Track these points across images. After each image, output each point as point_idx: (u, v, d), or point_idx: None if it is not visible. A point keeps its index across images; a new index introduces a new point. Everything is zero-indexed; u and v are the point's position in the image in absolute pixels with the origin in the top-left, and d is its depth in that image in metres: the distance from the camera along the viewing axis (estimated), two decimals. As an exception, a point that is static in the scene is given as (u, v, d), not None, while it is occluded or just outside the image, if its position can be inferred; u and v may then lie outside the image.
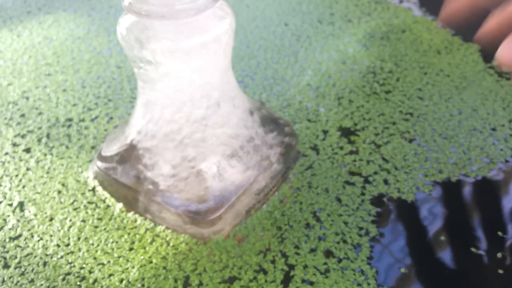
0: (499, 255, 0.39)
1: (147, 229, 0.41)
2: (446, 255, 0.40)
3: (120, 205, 0.43)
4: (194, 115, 0.39)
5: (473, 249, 0.40)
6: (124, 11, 0.38)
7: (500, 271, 0.38)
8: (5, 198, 0.44)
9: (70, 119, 0.53)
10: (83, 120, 0.53)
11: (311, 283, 0.37)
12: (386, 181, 0.45)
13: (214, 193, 0.40)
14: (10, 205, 0.43)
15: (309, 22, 0.70)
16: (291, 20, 0.70)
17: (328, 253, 0.39)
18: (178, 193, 0.40)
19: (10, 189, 0.45)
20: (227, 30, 0.37)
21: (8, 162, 0.47)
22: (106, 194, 0.44)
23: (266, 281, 0.38)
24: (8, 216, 0.42)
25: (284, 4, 0.74)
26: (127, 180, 0.42)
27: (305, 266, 0.38)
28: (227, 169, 0.40)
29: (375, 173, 0.46)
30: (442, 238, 0.41)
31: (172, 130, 0.40)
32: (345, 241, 0.40)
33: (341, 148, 0.49)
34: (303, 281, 0.37)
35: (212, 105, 0.40)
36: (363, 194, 0.44)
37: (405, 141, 0.49)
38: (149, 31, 0.36)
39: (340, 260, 0.39)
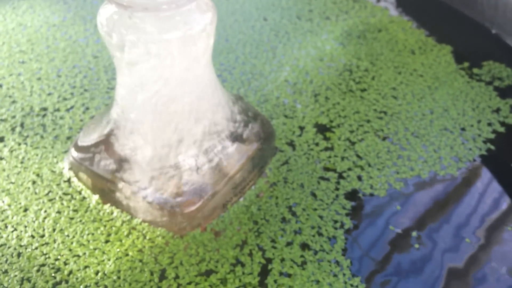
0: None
1: (123, 222, 0.41)
2: (416, 249, 0.41)
3: (96, 197, 0.43)
4: (173, 107, 0.39)
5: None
6: (105, 1, 0.37)
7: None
8: (-23, 187, 0.43)
9: (45, 109, 0.52)
10: (58, 109, 0.52)
11: (289, 275, 0.38)
12: (359, 177, 0.46)
13: (191, 186, 0.40)
14: (-17, 195, 0.42)
15: (288, 18, 0.70)
16: (271, 15, 0.71)
17: (304, 246, 0.40)
18: (155, 185, 0.40)
19: (-18, 178, 0.44)
20: (208, 24, 0.37)
21: (-20, 151, 0.46)
22: (82, 186, 0.44)
23: (243, 273, 0.38)
24: (-19, 206, 0.42)
25: (263, -1, 0.74)
26: (103, 171, 0.42)
27: (282, 259, 0.39)
28: (205, 163, 0.41)
29: (349, 169, 0.47)
30: (414, 233, 0.43)
31: (150, 122, 0.40)
32: (320, 234, 0.41)
33: (317, 144, 0.50)
34: (281, 273, 0.38)
35: (191, 98, 0.40)
36: (337, 189, 0.45)
37: (379, 139, 0.51)
38: (130, 22, 0.36)
39: (316, 252, 0.40)
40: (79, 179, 0.44)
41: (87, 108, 0.52)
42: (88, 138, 0.44)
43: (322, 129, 0.52)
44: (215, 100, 0.42)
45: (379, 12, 0.72)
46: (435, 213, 0.45)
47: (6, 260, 0.38)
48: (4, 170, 0.45)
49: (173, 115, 0.40)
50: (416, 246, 0.42)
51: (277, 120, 0.52)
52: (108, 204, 0.42)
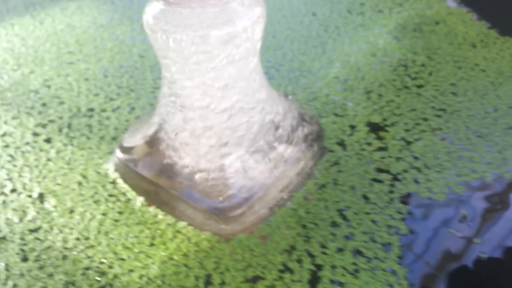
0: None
1: (168, 225, 0.40)
2: (478, 258, 0.38)
3: (141, 199, 0.42)
4: (220, 107, 0.38)
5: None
6: (150, -1, 0.36)
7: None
8: (25, 189, 0.43)
9: (91, 109, 0.52)
10: (104, 110, 0.52)
11: (340, 284, 0.36)
12: (416, 180, 0.43)
13: (237, 189, 0.38)
14: (30, 196, 0.42)
15: (338, 12, 0.67)
16: (319, 10, 0.68)
17: (357, 253, 0.38)
18: (201, 188, 0.38)
19: (30, 180, 0.44)
20: (257, 20, 0.35)
21: (29, 152, 0.47)
22: (127, 187, 0.43)
23: (292, 280, 0.36)
24: (28, 207, 0.42)
25: (311, -7, 0.71)
26: (148, 173, 0.41)
27: (333, 266, 0.37)
28: (252, 165, 0.39)
29: (405, 171, 0.44)
30: (477, 240, 0.39)
31: (197, 122, 0.39)
32: (374, 240, 0.38)
33: (369, 144, 0.47)
34: (332, 281, 0.36)
35: (238, 97, 0.38)
36: (391, 192, 0.42)
37: (437, 139, 0.47)
38: (177, 19, 0.35)
39: (369, 260, 0.37)
40: (124, 180, 0.43)
41: (133, 108, 0.52)
42: (133, 139, 0.43)
43: (375, 128, 0.48)
44: (263, 100, 0.40)
45: (436, 4, 0.68)
46: (499, 218, 0.41)
47: (52, 263, 0.38)
48: (51, 171, 0.45)
49: (218, 115, 0.38)
50: (481, 254, 0.38)
51: (327, 119, 0.50)
52: (153, 206, 0.41)
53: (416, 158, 0.45)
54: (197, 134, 0.39)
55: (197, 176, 0.39)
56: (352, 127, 0.49)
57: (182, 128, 0.39)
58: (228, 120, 0.38)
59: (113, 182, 0.44)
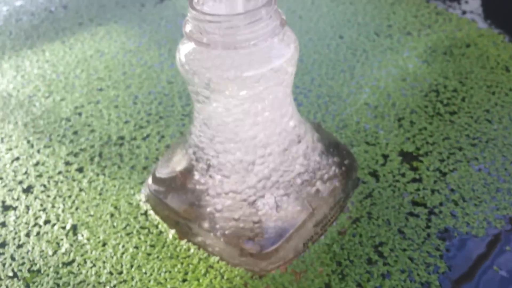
0: None
1: (200, 259, 0.39)
2: (523, 301, 0.36)
3: (172, 232, 0.42)
4: (253, 143, 0.38)
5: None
6: (184, 37, 0.36)
7: None
8: (58, 220, 0.43)
9: (122, 137, 0.52)
10: (134, 138, 0.52)
11: (376, 327, 0.35)
12: (453, 214, 0.42)
13: (271, 225, 0.38)
14: (64, 228, 0.43)
15: (365, 35, 0.67)
16: (347, 33, 0.68)
17: (393, 294, 0.37)
18: (234, 223, 0.38)
19: (63, 210, 0.44)
20: (290, 58, 0.35)
21: (62, 182, 0.47)
22: (159, 219, 0.43)
23: (326, 322, 0.35)
24: (62, 239, 0.42)
25: (338, 15, 0.71)
26: (179, 206, 0.41)
27: (369, 308, 0.36)
28: (285, 200, 0.38)
29: (441, 204, 0.43)
30: (519, 281, 0.38)
31: (229, 157, 0.38)
32: (412, 279, 0.37)
33: (403, 175, 0.46)
34: (367, 324, 0.35)
35: (270, 132, 0.38)
36: (428, 227, 0.41)
37: (473, 169, 0.46)
38: (209, 60, 0.34)
39: (406, 302, 0.36)
40: (155, 212, 0.43)
41: (163, 137, 0.52)
42: (164, 170, 0.43)
43: (408, 158, 0.48)
44: (295, 132, 0.40)
45: (465, 25, 0.67)
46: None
47: (85, 298, 0.38)
48: (83, 202, 0.45)
49: (250, 151, 0.38)
50: (525, 295, 0.37)
51: (358, 148, 0.49)
52: (185, 240, 0.41)
53: (452, 190, 0.44)
54: (229, 170, 0.38)
55: (228, 212, 0.38)
56: (385, 156, 0.48)
57: (214, 164, 0.39)
58: (260, 155, 0.38)
59: (145, 214, 0.43)
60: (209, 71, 0.34)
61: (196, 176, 0.40)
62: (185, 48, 0.36)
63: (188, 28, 0.35)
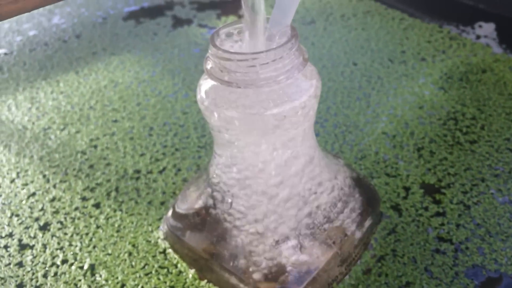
0: None
1: (222, 301, 0.38)
2: None
3: (192, 271, 0.41)
4: (275, 180, 0.37)
5: None
6: (204, 74, 0.36)
7: None
8: (76, 259, 0.43)
9: (138, 171, 0.51)
10: (151, 172, 0.51)
11: None
12: (481, 250, 0.41)
13: (294, 266, 0.37)
14: (81, 268, 0.42)
15: (379, 61, 0.66)
16: (360, 59, 0.67)
17: (422, 337, 0.36)
18: (254, 265, 0.37)
19: (80, 249, 0.43)
20: (313, 94, 0.35)
21: (78, 219, 0.46)
22: (178, 258, 0.42)
23: None
24: (80, 280, 0.41)
25: (351, 42, 0.71)
26: (198, 245, 0.40)
27: None
28: (309, 240, 0.38)
29: (467, 239, 0.42)
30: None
31: (249, 195, 0.38)
32: (439, 322, 0.36)
33: (426, 208, 0.45)
34: None
35: (294, 171, 0.37)
36: (456, 265, 0.40)
37: (498, 201, 0.45)
38: (231, 97, 0.34)
39: None
40: (174, 250, 0.43)
41: (179, 170, 0.51)
42: (183, 206, 0.43)
43: (430, 190, 0.47)
44: (318, 167, 0.39)
45: (480, 50, 0.66)
46: None
47: None
48: (101, 239, 0.44)
49: (273, 189, 0.37)
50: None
51: (379, 180, 0.48)
52: (205, 281, 0.40)
53: (478, 224, 0.43)
54: (251, 208, 0.38)
55: (250, 253, 0.38)
56: (406, 189, 0.47)
57: (235, 201, 0.38)
58: (283, 194, 0.37)
59: (164, 252, 0.43)
60: (230, 108, 0.34)
61: (216, 213, 0.39)
62: (206, 85, 0.35)
63: (209, 65, 0.34)
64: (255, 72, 0.32)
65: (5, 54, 0.74)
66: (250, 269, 0.37)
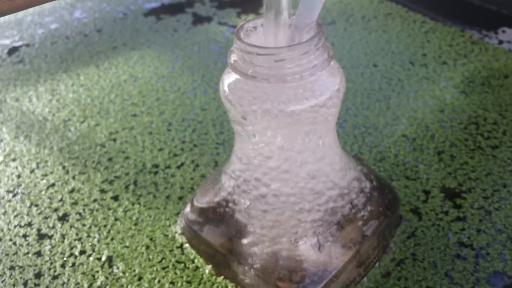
0: None
1: (239, 298, 0.38)
2: None
3: (209, 267, 0.41)
4: (296, 178, 0.37)
5: None
6: (228, 68, 0.36)
7: None
8: (94, 251, 0.43)
9: (156, 165, 0.52)
10: (169, 166, 0.51)
11: None
12: (502, 256, 0.40)
13: (312, 266, 0.37)
14: (99, 259, 0.42)
15: (400, 64, 0.66)
16: (380, 61, 0.67)
17: None
18: (274, 263, 0.37)
19: (99, 241, 0.44)
20: (337, 92, 0.34)
21: (97, 210, 0.47)
22: (195, 253, 0.42)
23: None
24: (97, 271, 0.41)
25: (371, 43, 0.70)
26: (215, 240, 0.40)
27: None
28: (328, 239, 0.37)
29: (488, 245, 0.41)
30: None
31: (270, 192, 0.37)
32: (458, 328, 0.36)
33: (446, 213, 0.44)
34: None
35: (315, 168, 0.37)
36: (476, 271, 0.39)
37: (520, 208, 0.44)
38: (254, 93, 0.34)
39: None
40: (191, 245, 0.43)
41: (197, 166, 0.51)
42: (202, 200, 0.43)
43: (451, 194, 0.46)
44: (338, 167, 0.39)
45: (502, 55, 0.66)
46: None
47: (122, 336, 0.37)
48: (119, 232, 0.44)
49: (293, 186, 0.37)
50: None
51: (398, 183, 0.48)
52: (222, 277, 0.40)
53: (499, 230, 0.42)
54: (270, 204, 0.37)
55: (267, 251, 0.37)
56: (426, 192, 0.46)
57: (254, 197, 0.38)
58: (303, 191, 0.37)
59: (181, 247, 0.43)
60: (253, 103, 0.34)
61: (235, 209, 0.39)
62: (228, 79, 0.35)
63: (233, 58, 0.34)
64: (279, 67, 0.32)
65: (27, 46, 0.75)
66: (268, 267, 0.37)
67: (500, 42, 0.68)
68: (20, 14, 0.84)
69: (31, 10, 0.84)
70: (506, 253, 0.40)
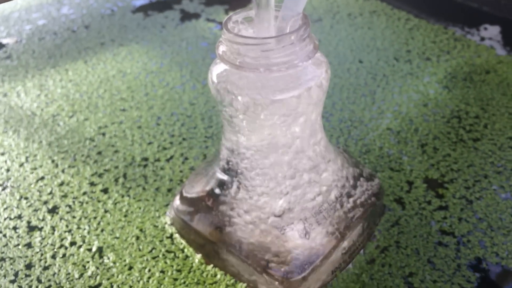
0: None
1: (227, 286, 0.39)
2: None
3: (199, 256, 0.41)
4: (283, 166, 0.38)
5: None
6: (216, 58, 0.37)
7: None
8: (84, 242, 0.43)
9: (145, 159, 0.52)
10: (158, 160, 0.52)
11: None
12: (482, 243, 0.42)
13: (298, 252, 0.38)
14: (90, 250, 0.43)
15: (384, 60, 0.67)
16: (366, 57, 0.68)
17: (423, 325, 0.36)
18: (262, 250, 0.38)
19: (89, 232, 0.44)
20: (322, 82, 0.36)
21: (87, 203, 0.47)
22: (184, 243, 0.43)
23: None
24: (88, 262, 0.42)
25: (357, 40, 0.72)
26: (205, 229, 0.41)
27: None
28: (314, 226, 0.38)
29: (469, 233, 0.43)
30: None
31: (258, 181, 0.38)
32: (441, 312, 0.37)
33: (429, 202, 0.46)
34: None
35: (301, 157, 0.38)
36: (458, 257, 0.40)
37: (500, 198, 0.46)
38: (242, 82, 0.35)
39: (437, 334, 0.36)
40: (181, 235, 0.43)
41: (186, 158, 0.52)
42: (191, 190, 0.43)
43: (434, 185, 0.47)
44: (325, 156, 0.40)
45: (484, 52, 0.67)
46: None
47: (113, 323, 0.37)
48: (109, 223, 0.45)
49: (280, 175, 0.38)
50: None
51: (382, 174, 0.49)
52: (211, 265, 0.41)
53: (480, 219, 0.44)
54: (258, 193, 0.38)
55: (255, 238, 0.38)
56: (410, 183, 0.48)
57: (242, 187, 0.39)
58: (290, 181, 0.38)
59: (170, 237, 0.43)
60: (241, 93, 0.34)
61: (224, 198, 0.40)
62: (217, 69, 0.36)
63: (221, 49, 0.35)
64: (266, 57, 0.33)
65: (16, 42, 0.75)
66: (255, 254, 0.38)
67: (482, 39, 0.70)
68: (7, 10, 0.83)
69: (18, 6, 0.84)
70: (486, 241, 0.42)
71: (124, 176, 0.50)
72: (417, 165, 0.50)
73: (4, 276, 0.41)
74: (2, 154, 0.54)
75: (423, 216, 0.44)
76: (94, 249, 0.43)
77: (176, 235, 0.43)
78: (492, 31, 0.71)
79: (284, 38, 0.33)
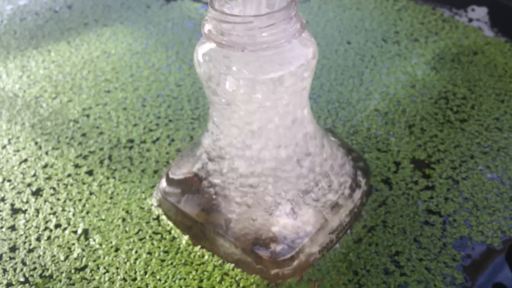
0: None
1: (215, 266, 0.39)
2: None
3: (186, 238, 0.41)
4: (270, 147, 0.37)
5: None
6: (202, 38, 0.36)
7: None
8: (69, 224, 0.43)
9: (131, 140, 0.51)
10: (144, 141, 0.51)
11: (394, 338, 0.35)
12: (468, 223, 0.42)
13: (287, 232, 0.37)
14: (75, 232, 0.42)
15: (373, 41, 0.67)
16: (354, 38, 0.68)
17: (410, 303, 0.37)
18: (249, 230, 0.38)
19: (74, 214, 0.44)
20: (309, 61, 0.35)
21: (71, 185, 0.46)
22: (171, 224, 0.42)
23: (344, 332, 0.35)
24: (73, 244, 0.41)
25: (345, 21, 0.71)
26: (191, 210, 0.41)
27: (386, 318, 0.36)
28: (302, 207, 0.38)
29: (455, 212, 0.43)
30: (535, 291, 0.38)
31: (244, 161, 0.38)
32: (427, 290, 0.37)
33: (416, 182, 0.46)
34: (385, 335, 0.35)
35: (289, 138, 0.38)
36: (444, 236, 0.41)
37: (486, 177, 0.46)
38: (227, 61, 0.34)
39: (423, 312, 0.36)
40: (168, 217, 0.43)
41: (173, 140, 0.51)
42: (178, 171, 0.43)
43: (420, 165, 0.48)
44: (312, 137, 0.39)
45: (472, 33, 0.67)
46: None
47: (99, 305, 0.37)
48: (94, 206, 0.44)
49: (267, 156, 0.37)
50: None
51: (370, 155, 0.49)
52: (199, 246, 0.40)
53: (465, 198, 0.44)
54: (245, 175, 0.38)
55: (243, 218, 0.38)
56: (397, 163, 0.48)
57: (228, 168, 0.38)
58: (277, 161, 0.38)
59: (157, 219, 0.43)
60: (228, 72, 0.34)
61: (211, 179, 0.40)
62: (202, 49, 0.35)
63: (207, 28, 0.34)
64: (252, 35, 0.32)
65: (-5, 22, 0.73)
66: (243, 234, 0.38)
67: (470, 20, 0.70)
68: (-14, -11, 0.81)
69: (-2, -15, 0.82)
70: (472, 220, 0.42)
71: (109, 158, 0.49)
72: (404, 145, 0.50)
73: (-12, 259, 0.40)
74: (-16, 136, 0.52)
75: (410, 196, 0.44)
76: (79, 231, 0.42)
77: (163, 217, 0.43)
78: (480, 12, 0.71)
79: (273, 15, 0.32)
